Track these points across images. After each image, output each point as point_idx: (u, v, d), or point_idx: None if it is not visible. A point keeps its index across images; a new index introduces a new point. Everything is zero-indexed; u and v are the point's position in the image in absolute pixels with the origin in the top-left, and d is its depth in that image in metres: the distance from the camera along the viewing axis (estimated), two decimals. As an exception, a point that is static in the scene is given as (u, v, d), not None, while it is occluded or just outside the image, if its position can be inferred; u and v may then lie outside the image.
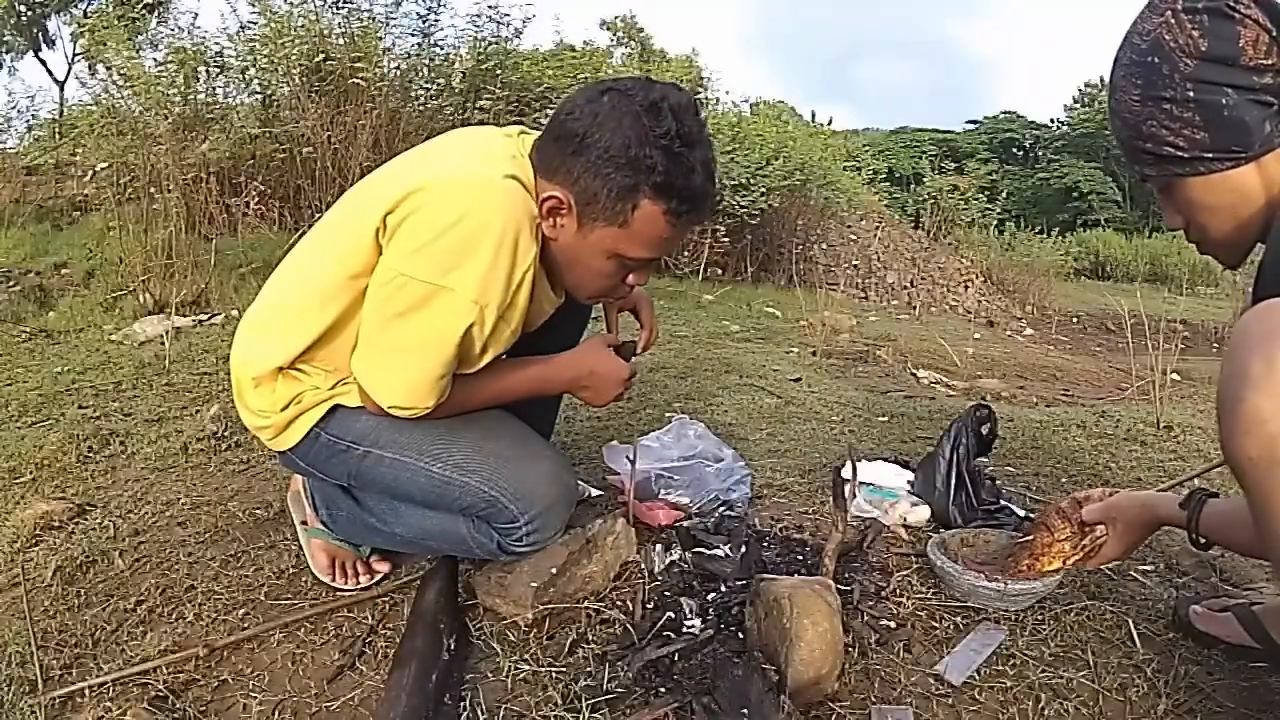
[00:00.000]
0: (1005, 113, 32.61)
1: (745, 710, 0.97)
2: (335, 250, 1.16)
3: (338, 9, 5.51)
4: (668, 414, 2.28)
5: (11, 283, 4.07)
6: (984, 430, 1.68)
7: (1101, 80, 30.27)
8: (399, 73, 5.60)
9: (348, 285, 1.14)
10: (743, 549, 1.40)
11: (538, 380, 1.28)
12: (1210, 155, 0.89)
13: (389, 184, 1.09)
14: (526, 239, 1.04)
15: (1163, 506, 1.14)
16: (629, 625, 1.21)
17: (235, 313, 3.48)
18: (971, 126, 32.41)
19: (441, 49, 5.90)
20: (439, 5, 5.78)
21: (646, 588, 1.30)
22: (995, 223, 11.46)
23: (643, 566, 1.38)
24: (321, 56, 5.11)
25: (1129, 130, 0.93)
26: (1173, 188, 0.94)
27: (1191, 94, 0.87)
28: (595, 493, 1.70)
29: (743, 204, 6.65)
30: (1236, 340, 0.77)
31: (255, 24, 5.48)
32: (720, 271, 6.88)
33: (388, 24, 5.64)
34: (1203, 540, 1.08)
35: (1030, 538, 1.26)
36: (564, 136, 1.05)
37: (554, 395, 1.47)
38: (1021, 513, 1.60)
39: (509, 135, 1.17)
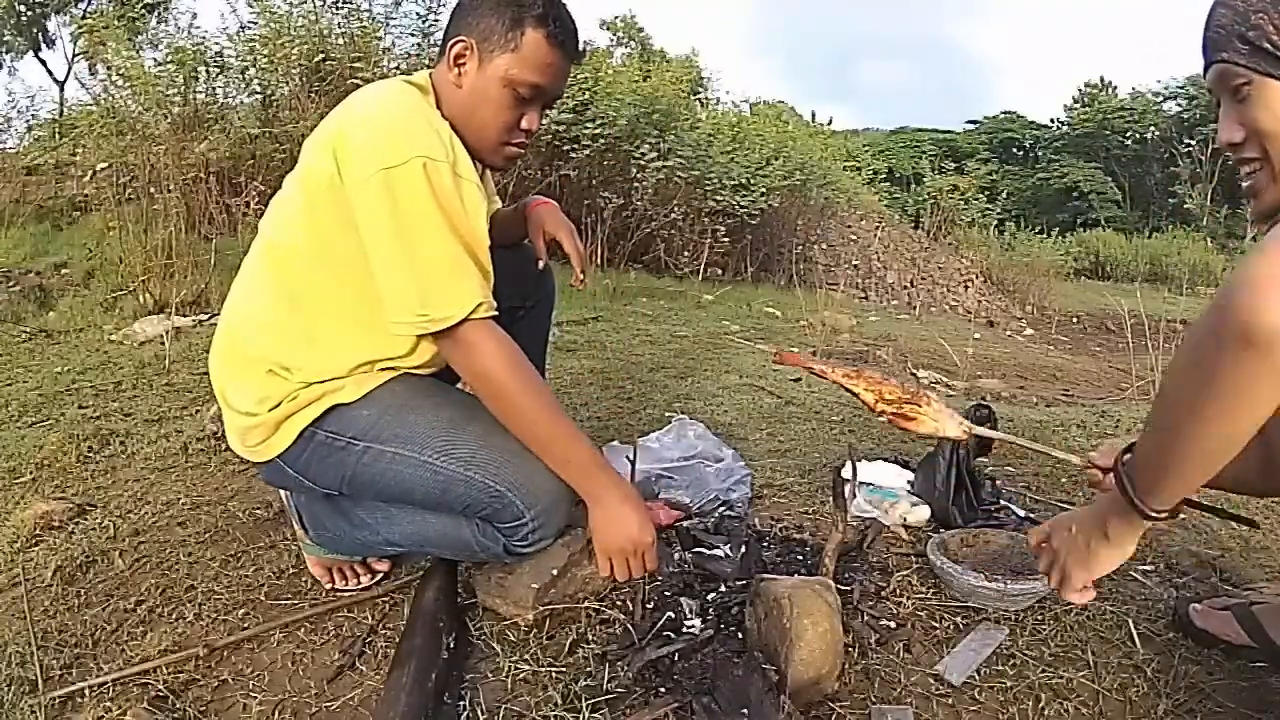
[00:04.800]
0: (1005, 113, 32.61)
1: (745, 710, 0.97)
2: (301, 210, 1.21)
3: (338, 9, 5.52)
4: (668, 414, 2.28)
5: (11, 283, 4.07)
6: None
7: (1102, 79, 30.33)
8: (399, 73, 5.60)
9: (316, 263, 1.20)
10: (743, 549, 1.40)
11: (591, 456, 1.19)
12: None
13: (321, 135, 1.20)
14: (434, 113, 1.19)
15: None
16: (629, 625, 1.22)
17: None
18: (971, 126, 32.41)
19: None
20: (439, 5, 5.79)
21: (646, 588, 1.30)
22: (995, 223, 11.48)
23: (643, 566, 1.38)
24: (321, 56, 5.11)
25: (1235, 15, 0.85)
26: (1250, 93, 0.85)
27: None
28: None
29: (743, 204, 6.65)
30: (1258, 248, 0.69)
31: (255, 24, 5.49)
32: (720, 271, 6.89)
33: (388, 24, 5.67)
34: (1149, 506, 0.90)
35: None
36: (461, 7, 1.25)
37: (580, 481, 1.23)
38: (1022, 513, 1.61)
39: (399, 79, 1.27)
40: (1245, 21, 0.84)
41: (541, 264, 1.51)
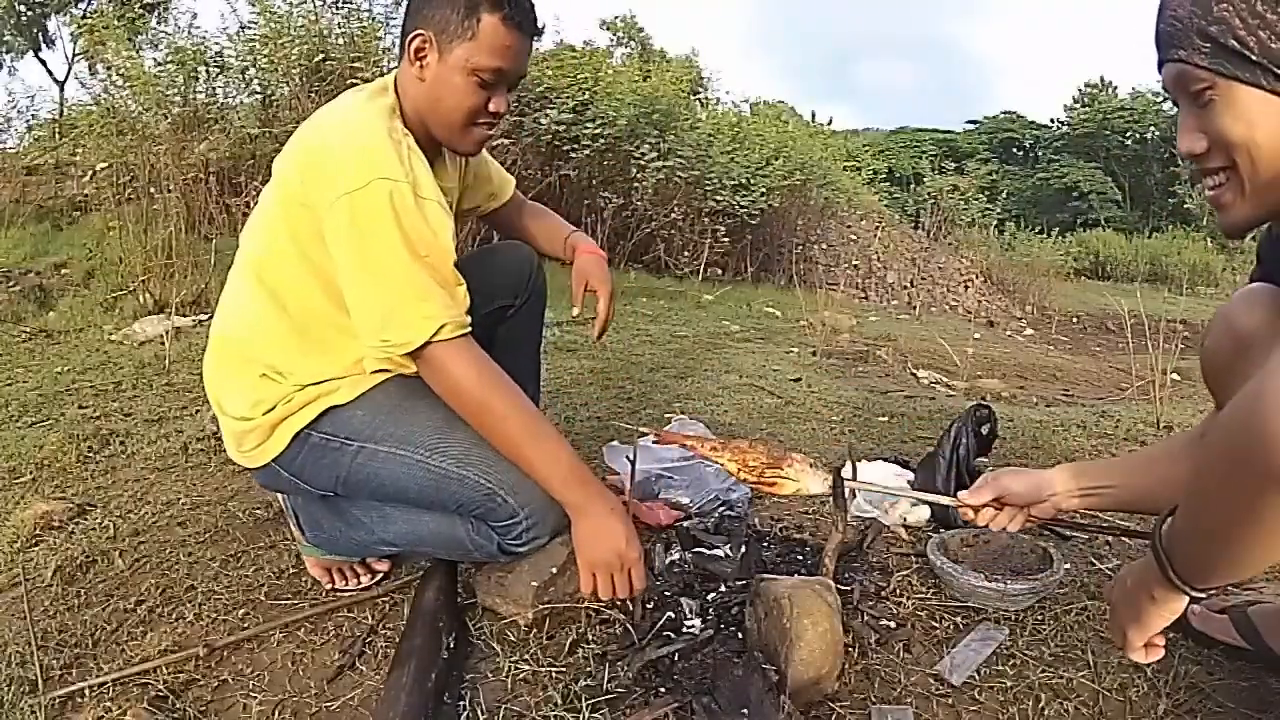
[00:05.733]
0: (1005, 113, 32.67)
1: (745, 710, 0.97)
2: (279, 223, 1.22)
3: (338, 9, 5.52)
4: (667, 414, 2.28)
5: (11, 283, 4.07)
6: (984, 430, 1.68)
7: (1102, 79, 30.34)
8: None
9: (299, 272, 1.21)
10: (743, 549, 1.40)
11: (574, 468, 1.17)
12: None
13: (289, 153, 1.23)
14: (398, 125, 1.20)
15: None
16: (629, 625, 1.21)
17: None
18: (971, 126, 32.47)
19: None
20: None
21: (641, 600, 1.30)
22: (995, 223, 11.48)
23: (643, 566, 1.37)
24: (321, 56, 5.11)
25: (1194, 5, 0.74)
26: (1214, 98, 0.75)
27: None
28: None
29: (743, 204, 6.66)
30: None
31: (255, 24, 5.49)
32: (720, 271, 6.89)
33: (388, 24, 5.65)
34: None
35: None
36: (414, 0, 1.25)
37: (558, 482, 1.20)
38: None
39: (364, 88, 1.29)
40: (1207, 13, 0.73)
41: (535, 267, 1.54)
